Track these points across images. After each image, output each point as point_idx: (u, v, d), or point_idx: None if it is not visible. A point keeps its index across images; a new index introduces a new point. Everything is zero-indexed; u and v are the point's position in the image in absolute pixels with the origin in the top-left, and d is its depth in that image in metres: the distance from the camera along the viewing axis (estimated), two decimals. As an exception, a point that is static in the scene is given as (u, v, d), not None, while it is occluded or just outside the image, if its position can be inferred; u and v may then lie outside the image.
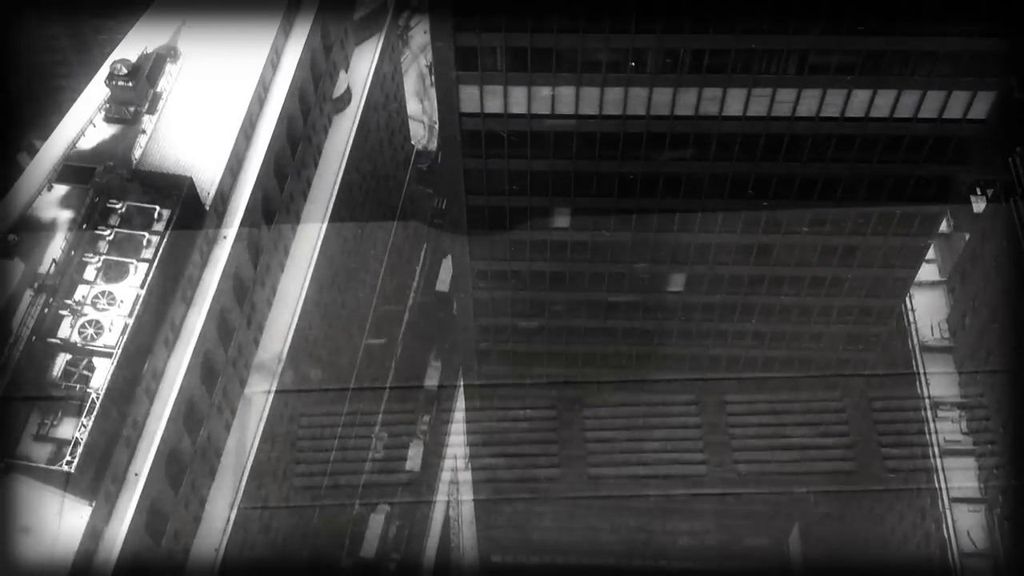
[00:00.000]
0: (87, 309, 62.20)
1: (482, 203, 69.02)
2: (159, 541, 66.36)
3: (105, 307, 62.39)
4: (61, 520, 58.99)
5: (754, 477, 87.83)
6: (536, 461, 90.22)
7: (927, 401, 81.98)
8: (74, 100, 73.87)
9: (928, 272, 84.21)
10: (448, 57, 59.16)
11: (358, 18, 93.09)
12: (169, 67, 74.42)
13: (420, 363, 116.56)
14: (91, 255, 63.82)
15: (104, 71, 72.57)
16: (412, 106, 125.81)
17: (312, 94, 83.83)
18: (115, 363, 60.79)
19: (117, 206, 65.51)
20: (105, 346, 61.27)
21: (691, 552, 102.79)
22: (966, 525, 77.57)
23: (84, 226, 64.43)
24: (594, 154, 64.95)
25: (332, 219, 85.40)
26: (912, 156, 64.75)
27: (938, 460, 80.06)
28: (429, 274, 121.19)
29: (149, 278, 63.57)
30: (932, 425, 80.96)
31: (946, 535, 77.85)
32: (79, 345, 61.12)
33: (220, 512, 73.53)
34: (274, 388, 78.82)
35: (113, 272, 63.61)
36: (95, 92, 73.13)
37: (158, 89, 73.18)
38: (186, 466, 69.04)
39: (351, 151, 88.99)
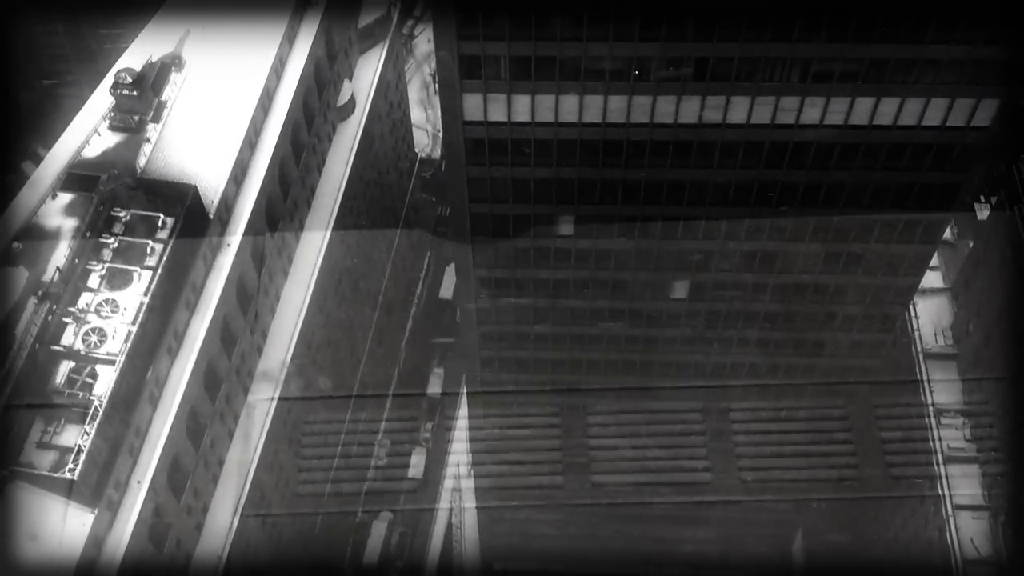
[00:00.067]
0: (91, 317, 62.30)
1: (485, 211, 69.05)
2: (161, 548, 66.36)
3: (109, 315, 62.47)
4: (64, 527, 59.01)
5: (758, 485, 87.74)
6: (539, 468, 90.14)
7: (931, 408, 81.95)
8: (79, 109, 74.06)
9: (932, 279, 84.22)
10: (452, 65, 59.22)
11: (362, 27, 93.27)
12: (174, 76, 74.61)
13: (423, 370, 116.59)
14: (95, 263, 63.95)
15: (109, 80, 72.81)
16: (416, 114, 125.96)
17: (316, 102, 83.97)
18: (118, 370, 60.85)
19: (121, 214, 65.67)
20: (108, 354, 61.34)
21: (695, 560, 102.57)
22: (970, 532, 77.48)
23: (88, 234, 64.56)
24: (597, 162, 64.98)
25: (336, 227, 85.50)
26: (916, 163, 64.74)
27: (942, 467, 80.00)
28: (432, 282, 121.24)
29: (153, 286, 63.67)
30: (936, 432, 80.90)
31: (950, 542, 77.78)
32: (82, 353, 61.21)
33: (223, 520, 73.53)
34: (277, 395, 78.85)
35: (117, 280, 63.73)
36: (100, 101, 73.35)
37: (163, 98, 73.37)
38: (189, 474, 69.05)
39: (355, 159, 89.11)
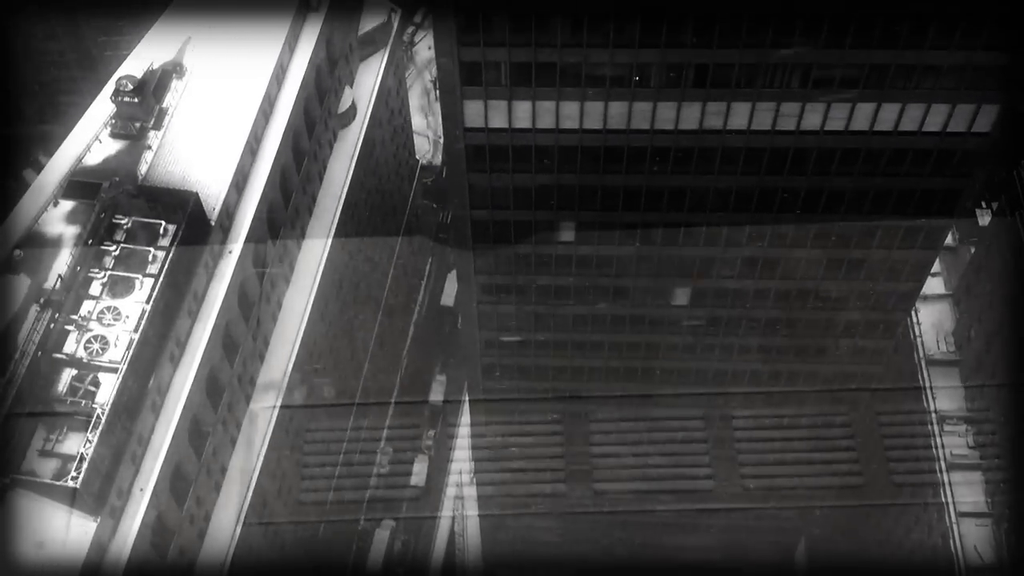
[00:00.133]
0: (93, 324, 62.29)
1: (487, 217, 69.09)
2: (164, 556, 66.28)
3: (111, 322, 62.47)
4: (66, 536, 58.94)
5: (761, 492, 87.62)
6: (541, 476, 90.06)
7: (933, 415, 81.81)
8: (80, 116, 74.12)
9: (933, 285, 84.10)
10: (452, 72, 59.30)
11: (363, 33, 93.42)
12: (175, 83, 74.69)
13: (425, 377, 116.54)
14: (97, 270, 63.95)
15: (110, 87, 72.85)
16: (417, 121, 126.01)
17: (317, 109, 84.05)
18: (120, 378, 60.83)
19: (123, 221, 65.67)
20: (110, 361, 61.33)
21: (697, 568, 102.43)
22: (973, 539, 77.30)
23: (90, 241, 64.56)
24: (598, 168, 65.01)
25: (337, 234, 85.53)
26: (917, 169, 64.75)
27: (944, 474, 79.85)
28: (434, 288, 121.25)
29: (155, 293, 63.68)
30: (939, 439, 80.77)
31: (953, 549, 77.60)
32: (84, 360, 61.21)
33: (225, 528, 73.44)
34: (279, 403, 78.80)
35: (119, 287, 63.73)
36: (101, 108, 73.43)
37: (164, 105, 73.42)
38: (191, 481, 69.00)
39: (356, 166, 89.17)
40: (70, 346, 61.56)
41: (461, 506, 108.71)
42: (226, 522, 73.66)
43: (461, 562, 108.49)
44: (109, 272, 63.98)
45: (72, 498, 58.39)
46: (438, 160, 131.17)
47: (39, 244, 65.65)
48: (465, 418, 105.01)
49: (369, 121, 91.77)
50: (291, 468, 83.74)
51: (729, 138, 62.88)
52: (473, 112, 61.60)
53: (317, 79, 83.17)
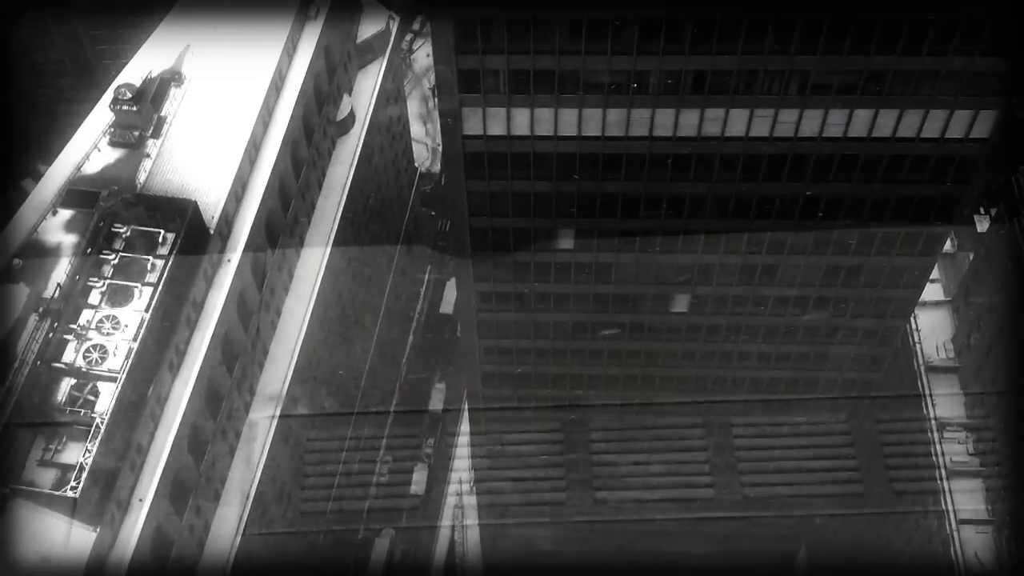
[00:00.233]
0: (92, 334, 62.26)
1: (486, 225, 69.08)
2: (164, 566, 66.11)
3: (110, 331, 62.44)
4: (66, 546, 58.81)
5: (761, 500, 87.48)
6: (542, 485, 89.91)
7: (933, 422, 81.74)
8: (79, 125, 74.14)
9: (932, 292, 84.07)
10: (451, 80, 59.34)
11: (361, 41, 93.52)
12: (173, 91, 74.73)
13: (424, 386, 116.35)
14: (96, 279, 63.94)
15: (108, 95, 72.90)
16: (415, 129, 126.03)
17: (316, 117, 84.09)
18: (120, 388, 60.78)
19: (122, 230, 65.69)
20: (110, 371, 61.29)
21: (698, 575, 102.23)
22: (973, 546, 77.18)
23: (89, 250, 64.57)
24: (597, 175, 65.03)
25: (336, 242, 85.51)
26: (915, 176, 64.78)
27: (945, 482, 79.75)
28: (433, 296, 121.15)
29: (154, 302, 63.66)
30: (939, 446, 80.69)
31: (953, 556, 77.49)
32: (84, 370, 61.16)
33: (225, 537, 73.30)
34: (278, 412, 78.70)
35: (118, 296, 63.72)
36: (100, 116, 73.45)
37: (162, 113, 73.47)
38: (190, 491, 68.87)
39: (355, 174, 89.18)
40: (69, 355, 61.52)
41: (461, 515, 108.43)
42: (226, 532, 73.53)
43: (461, 571, 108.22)
44: (108, 281, 63.98)
45: (72, 508, 58.28)
46: (437, 167, 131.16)
47: (38, 253, 65.64)
48: (465, 426, 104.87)
49: (368, 129, 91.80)
50: (290, 477, 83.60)
51: (727, 145, 62.93)
52: (471, 119, 61.63)
53: (316, 87, 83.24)
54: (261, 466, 76.73)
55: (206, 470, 70.80)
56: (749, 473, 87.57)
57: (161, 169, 71.16)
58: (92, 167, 71.07)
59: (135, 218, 66.21)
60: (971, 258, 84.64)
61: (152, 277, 64.39)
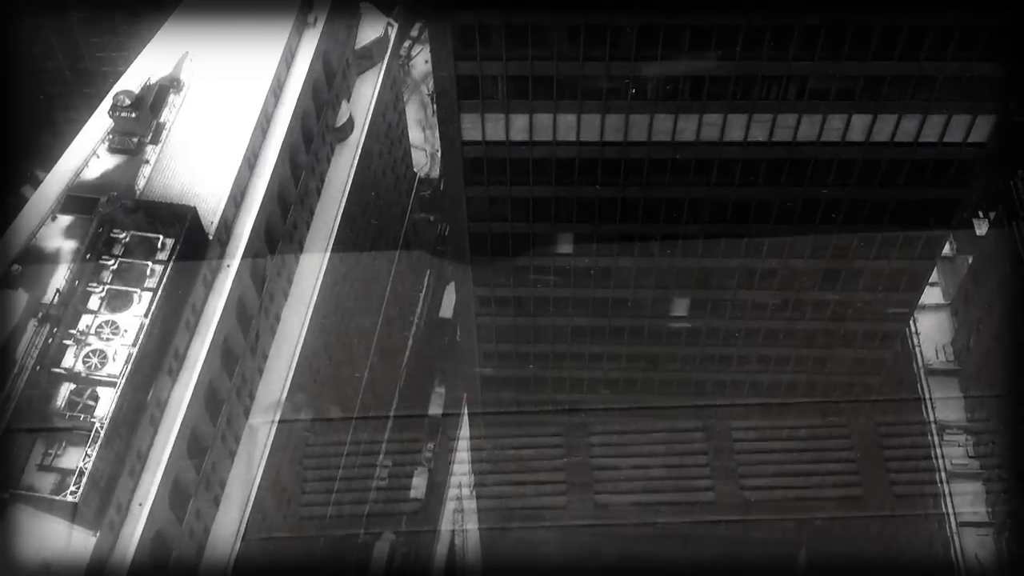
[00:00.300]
0: (91, 339, 62.28)
1: (484, 230, 69.16)
2: (164, 571, 66.10)
3: (109, 337, 62.46)
4: (66, 550, 58.82)
5: (761, 503, 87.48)
6: (542, 489, 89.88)
7: (933, 425, 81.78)
8: (78, 131, 74.18)
9: (932, 295, 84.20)
10: (449, 85, 59.44)
11: (360, 48, 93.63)
12: (172, 97, 74.79)
13: (424, 390, 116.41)
14: (95, 285, 63.95)
15: (108, 102, 72.92)
16: (414, 134, 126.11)
17: (315, 123, 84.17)
18: (119, 392, 60.79)
19: (121, 236, 65.69)
20: (109, 376, 61.29)
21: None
22: (974, 549, 77.20)
23: (88, 256, 64.60)
24: (596, 180, 65.11)
25: (335, 247, 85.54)
26: (913, 180, 64.85)
27: (945, 484, 79.78)
28: (432, 301, 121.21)
29: (153, 307, 63.67)
30: (939, 449, 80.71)
31: (954, 559, 77.50)
32: (83, 375, 61.17)
33: (225, 542, 73.30)
34: (278, 417, 78.71)
35: (117, 301, 63.74)
36: (99, 123, 73.47)
37: (161, 119, 73.52)
38: (190, 496, 68.89)
39: (354, 180, 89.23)
40: (68, 360, 61.52)
41: (461, 519, 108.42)
42: (226, 537, 73.52)
43: (461, 575, 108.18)
44: (107, 286, 63.98)
45: (71, 512, 58.28)
46: (435, 173, 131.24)
47: (37, 259, 65.66)
48: (464, 430, 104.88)
49: (366, 135, 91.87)
50: (290, 482, 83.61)
51: (726, 149, 63.01)
52: (470, 125, 61.71)
53: (314, 93, 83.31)
54: (261, 470, 76.74)
55: (206, 475, 70.81)
56: (749, 476, 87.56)
57: (160, 175, 71.21)
58: (91, 173, 71.10)
59: (134, 224, 66.23)
60: (970, 261, 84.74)
61: (151, 282, 64.40)
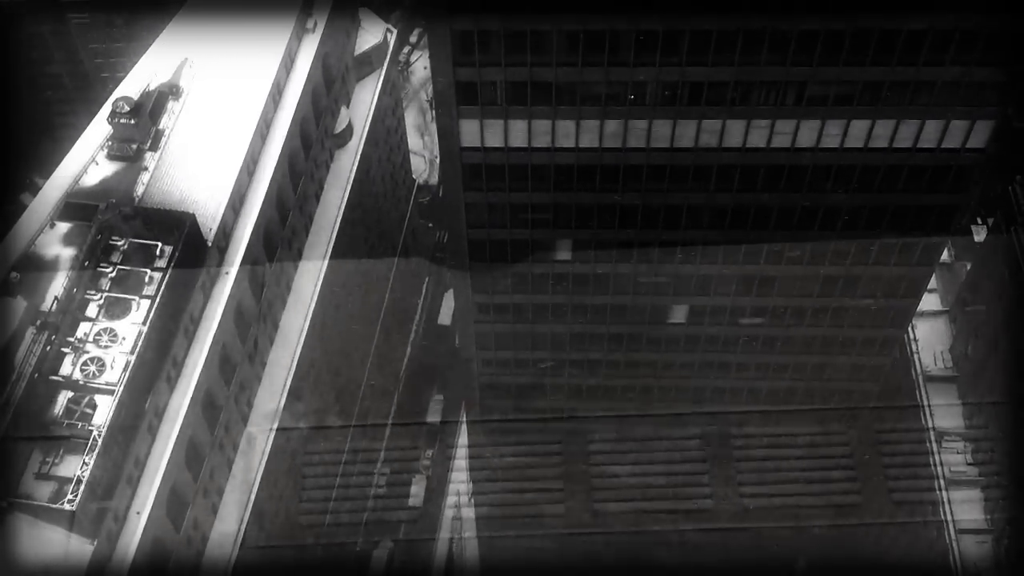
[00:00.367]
0: (89, 346, 62.18)
1: (483, 236, 69.11)
2: (161, 579, 66.01)
3: (107, 344, 62.36)
4: (63, 559, 58.66)
5: (759, 510, 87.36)
6: (540, 496, 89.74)
7: (932, 432, 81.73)
8: (76, 138, 74.16)
9: (930, 302, 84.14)
10: (448, 92, 59.44)
11: (359, 54, 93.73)
12: (171, 104, 74.78)
13: (423, 397, 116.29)
14: (93, 292, 63.87)
15: (106, 108, 72.91)
16: (413, 141, 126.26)
17: (314, 130, 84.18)
18: (117, 400, 60.67)
19: (119, 243, 65.62)
20: (107, 383, 61.17)
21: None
22: (973, 556, 77.10)
23: (86, 263, 64.51)
24: (595, 186, 65.09)
25: (334, 254, 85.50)
26: (912, 185, 64.87)
27: (944, 492, 79.69)
28: (431, 308, 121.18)
29: (151, 315, 63.58)
30: (937, 456, 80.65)
31: (953, 566, 77.38)
32: (81, 383, 61.05)
33: (223, 550, 73.13)
34: (276, 425, 78.58)
35: (115, 309, 63.65)
36: (97, 129, 73.44)
37: (160, 126, 73.50)
38: (188, 504, 68.73)
39: (352, 186, 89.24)
40: (66, 368, 61.42)
41: (459, 527, 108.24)
42: (224, 545, 73.34)
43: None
44: (105, 294, 63.90)
45: (69, 521, 58.13)
46: (434, 179, 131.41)
47: (35, 266, 65.55)
48: (463, 438, 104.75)
49: (365, 141, 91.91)
50: (289, 490, 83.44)
51: (725, 155, 63.01)
52: (469, 131, 61.71)
53: (313, 99, 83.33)
54: (259, 478, 76.59)
55: (204, 483, 70.66)
56: (748, 484, 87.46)
57: (159, 182, 71.17)
58: (90, 180, 71.06)
59: (133, 231, 66.16)
60: (968, 268, 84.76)
61: (150, 290, 64.32)
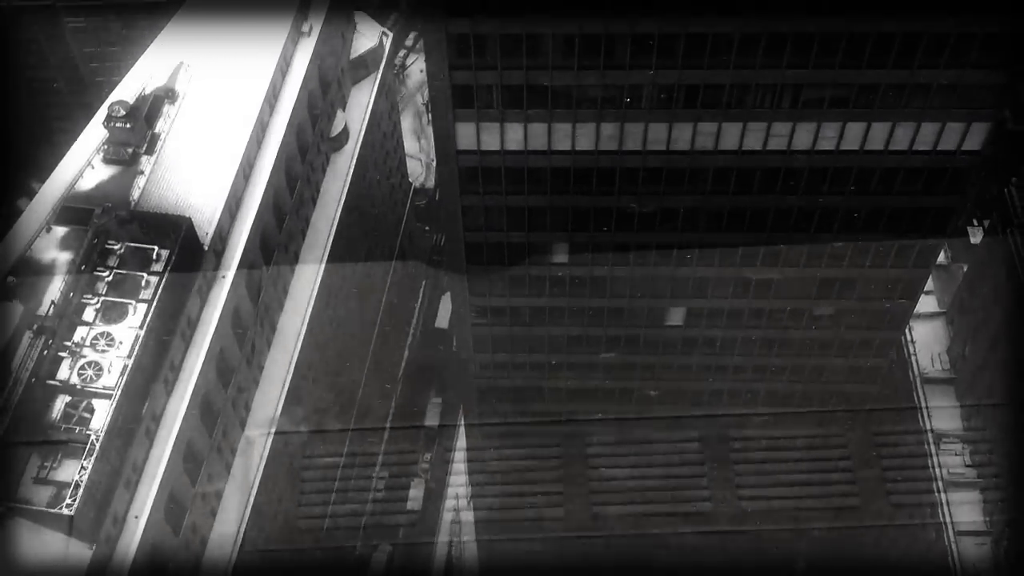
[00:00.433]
0: (86, 351, 62.11)
1: (480, 239, 69.15)
2: (159, 583, 65.94)
3: (104, 348, 62.30)
4: (62, 563, 58.60)
5: (758, 513, 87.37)
6: (539, 500, 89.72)
7: (930, 435, 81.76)
8: (72, 142, 74.11)
9: (927, 304, 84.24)
10: (444, 95, 59.50)
11: (355, 57, 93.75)
12: (167, 108, 74.74)
13: (420, 401, 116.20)
14: (90, 296, 63.79)
15: (102, 112, 72.85)
16: (409, 144, 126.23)
17: (310, 133, 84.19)
18: (114, 404, 60.61)
19: (116, 247, 65.54)
20: (104, 387, 61.10)
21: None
22: (972, 558, 77.11)
23: (83, 267, 64.46)
24: (591, 189, 65.15)
25: (331, 257, 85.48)
26: (908, 188, 64.96)
27: (942, 494, 79.72)
28: (428, 311, 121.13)
29: (148, 319, 63.52)
30: (936, 458, 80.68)
31: (952, 568, 77.38)
32: (78, 387, 60.97)
33: (221, 554, 73.06)
34: (274, 429, 78.53)
35: (112, 313, 63.59)
36: (93, 134, 73.40)
37: (156, 130, 73.45)
38: (186, 508, 68.68)
39: (349, 189, 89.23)
40: (64, 373, 61.33)
41: (458, 530, 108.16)
42: (222, 549, 73.28)
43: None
44: (102, 298, 63.82)
45: (68, 525, 58.07)
46: (431, 183, 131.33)
47: (32, 271, 65.50)
48: (461, 441, 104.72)
49: (362, 144, 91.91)
50: (287, 493, 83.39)
51: (721, 158, 63.09)
52: (465, 134, 61.78)
53: (309, 103, 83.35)
54: (257, 482, 76.54)
55: (202, 487, 70.59)
56: (746, 486, 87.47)
57: (155, 186, 71.12)
58: (86, 184, 71.01)
59: (129, 235, 66.09)
60: (965, 270, 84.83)
61: (146, 294, 64.25)
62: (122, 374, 61.53)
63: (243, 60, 77.43)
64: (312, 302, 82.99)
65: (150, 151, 72.52)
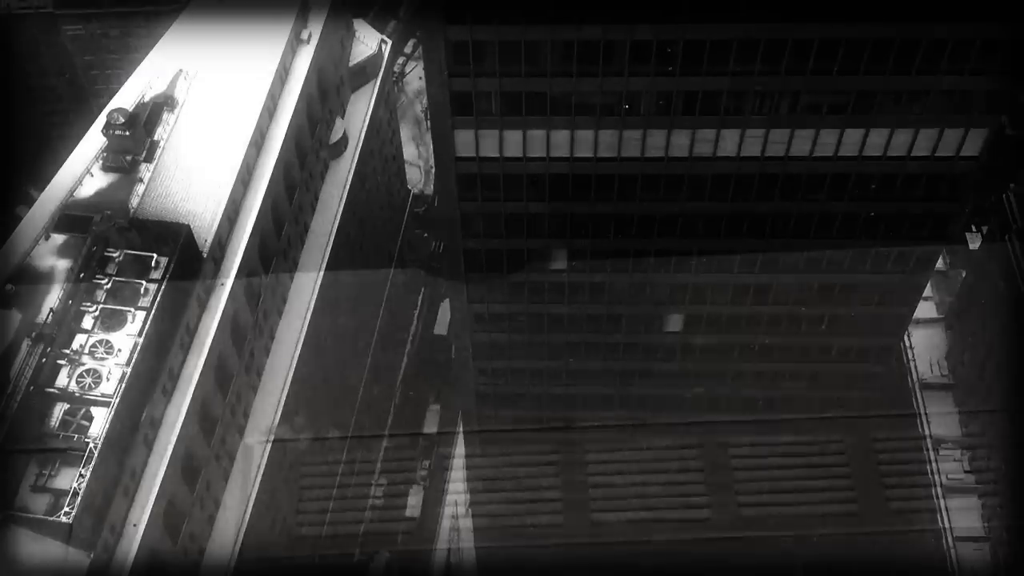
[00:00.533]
0: (85, 358, 62.08)
1: (479, 246, 69.15)
2: (158, 591, 65.83)
3: (103, 356, 62.26)
4: (60, 572, 58.49)
5: (757, 519, 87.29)
6: (537, 507, 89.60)
7: (929, 440, 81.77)
8: (71, 150, 74.13)
9: (925, 310, 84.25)
10: (443, 102, 59.52)
11: (354, 64, 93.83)
12: (166, 115, 74.80)
13: (419, 407, 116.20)
14: (89, 304, 63.77)
15: (101, 120, 72.90)
16: (408, 151, 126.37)
17: (309, 140, 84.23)
18: (113, 412, 60.57)
19: (114, 255, 65.54)
20: (103, 395, 61.06)
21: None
22: (970, 563, 77.09)
23: (82, 275, 64.43)
24: (590, 196, 65.14)
25: (330, 265, 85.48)
26: (906, 194, 64.95)
27: (941, 499, 79.72)
28: (427, 318, 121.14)
29: (147, 326, 63.49)
30: (934, 464, 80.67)
31: (951, 573, 77.35)
32: (77, 394, 60.92)
33: (220, 562, 72.96)
34: (272, 436, 78.46)
35: (111, 321, 63.55)
36: (92, 141, 73.46)
37: (155, 137, 73.49)
38: (185, 515, 68.59)
39: (348, 196, 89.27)
40: (62, 380, 61.29)
41: (457, 537, 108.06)
42: (221, 556, 73.18)
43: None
44: (101, 305, 63.80)
45: (66, 533, 57.97)
46: (430, 189, 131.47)
47: (31, 278, 65.48)
48: (460, 448, 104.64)
49: (360, 151, 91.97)
50: (285, 501, 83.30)
51: (719, 164, 63.08)
52: (464, 141, 61.79)
53: (308, 110, 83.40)
54: (256, 490, 76.45)
55: (200, 494, 70.52)
56: (745, 493, 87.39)
57: (154, 193, 71.14)
58: (85, 192, 71.03)
59: (128, 242, 66.11)
60: (963, 276, 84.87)
61: (145, 301, 64.23)
62: (120, 382, 61.49)
63: (242, 67, 77.54)
64: (311, 309, 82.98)
65: (149, 159, 72.56)
